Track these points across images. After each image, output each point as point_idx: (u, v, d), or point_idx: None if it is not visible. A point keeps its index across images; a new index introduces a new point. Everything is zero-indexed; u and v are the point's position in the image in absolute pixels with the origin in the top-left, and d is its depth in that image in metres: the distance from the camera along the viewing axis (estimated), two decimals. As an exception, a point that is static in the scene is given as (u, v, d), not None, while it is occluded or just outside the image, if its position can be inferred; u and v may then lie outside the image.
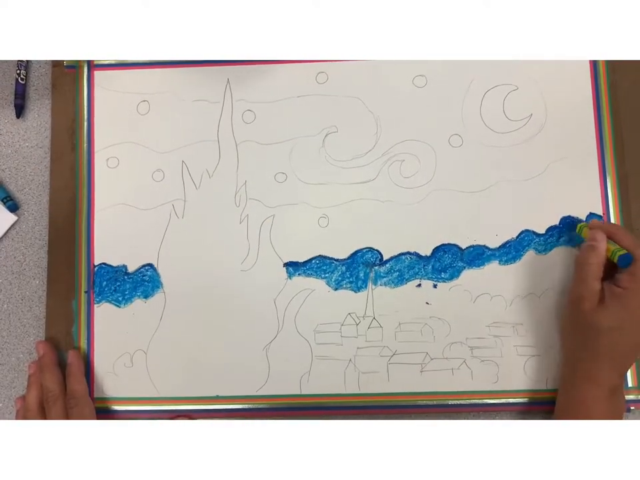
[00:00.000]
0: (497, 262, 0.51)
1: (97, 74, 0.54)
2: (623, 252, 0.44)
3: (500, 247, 0.51)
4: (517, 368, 0.50)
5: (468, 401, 0.50)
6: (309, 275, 0.51)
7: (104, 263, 0.52)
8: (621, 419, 0.45)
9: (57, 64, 0.55)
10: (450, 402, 0.50)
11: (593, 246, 0.46)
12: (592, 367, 0.44)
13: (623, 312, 0.43)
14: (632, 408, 0.50)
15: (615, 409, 0.45)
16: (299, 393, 0.50)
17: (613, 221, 0.51)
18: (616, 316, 0.43)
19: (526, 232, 0.51)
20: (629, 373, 0.50)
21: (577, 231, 0.50)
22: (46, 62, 0.55)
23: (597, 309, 0.44)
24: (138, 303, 0.52)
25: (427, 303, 0.51)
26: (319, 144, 0.53)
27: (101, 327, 0.52)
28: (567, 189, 0.52)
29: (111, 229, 0.52)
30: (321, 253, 0.52)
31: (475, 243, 0.51)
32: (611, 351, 0.44)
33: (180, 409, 0.51)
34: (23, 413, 0.49)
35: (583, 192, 0.52)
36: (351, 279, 0.51)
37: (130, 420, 0.50)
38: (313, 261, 0.52)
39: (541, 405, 0.50)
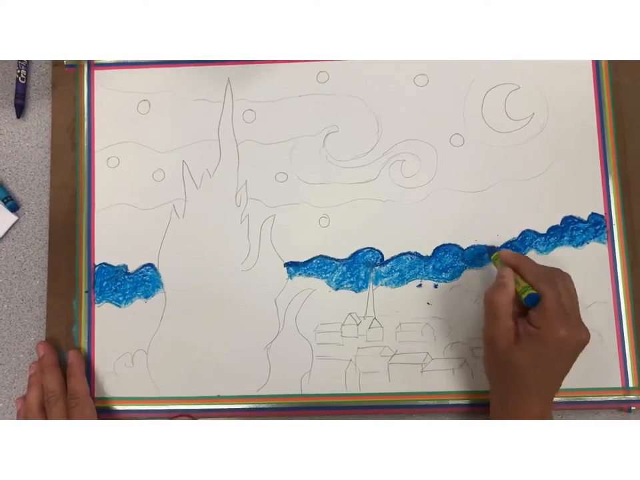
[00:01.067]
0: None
1: (97, 73, 0.54)
2: (529, 292, 0.44)
3: (501, 246, 0.51)
4: (518, 368, 0.50)
5: (468, 401, 0.50)
6: (309, 275, 0.51)
7: (104, 263, 0.52)
8: None
9: (57, 63, 0.55)
10: (450, 402, 0.50)
11: (502, 284, 0.45)
12: (517, 400, 0.44)
13: (538, 349, 0.43)
14: (633, 408, 0.50)
15: None
16: (299, 392, 0.50)
17: (614, 221, 0.51)
18: (532, 354, 0.43)
19: (527, 232, 0.51)
20: (630, 373, 0.50)
21: (491, 259, 0.50)
22: (46, 62, 0.55)
23: (513, 347, 0.43)
24: (138, 302, 0.52)
25: (427, 303, 0.51)
26: (319, 143, 0.53)
27: (101, 326, 0.52)
28: (569, 188, 0.52)
29: (111, 228, 0.52)
30: (322, 253, 0.52)
31: (475, 243, 0.51)
32: (533, 385, 0.43)
33: (181, 408, 0.51)
34: (24, 413, 0.49)
35: (584, 192, 0.52)
36: (351, 279, 0.51)
37: (131, 420, 0.50)
38: (314, 261, 0.51)
39: (542, 405, 0.50)
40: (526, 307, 0.45)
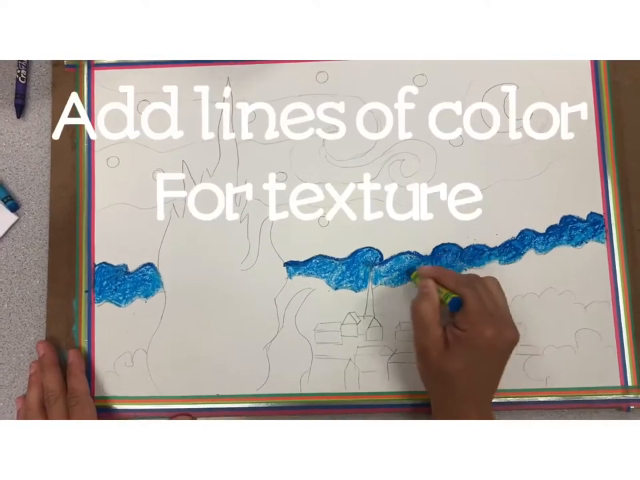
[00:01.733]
0: (497, 261, 0.51)
1: (97, 73, 0.54)
2: (452, 297, 0.45)
3: (500, 246, 0.51)
4: (517, 367, 0.50)
5: (468, 400, 0.50)
6: (309, 275, 0.51)
7: (104, 262, 0.52)
8: None
9: (57, 63, 0.55)
10: (450, 401, 0.50)
11: (425, 293, 0.46)
12: (454, 406, 0.44)
13: (468, 353, 0.43)
14: (632, 407, 0.50)
15: None
16: (299, 392, 0.50)
17: (613, 220, 0.51)
18: (463, 359, 0.43)
19: (526, 231, 0.51)
20: (628, 372, 0.50)
21: (411, 278, 0.50)
22: (46, 62, 0.55)
23: (444, 354, 0.44)
24: (138, 302, 0.52)
25: (427, 302, 0.51)
26: (319, 143, 0.53)
27: (101, 326, 0.52)
28: (568, 188, 0.52)
29: (111, 228, 0.53)
30: (321, 253, 0.52)
31: (475, 243, 0.51)
32: (467, 390, 0.43)
33: (180, 407, 0.51)
34: (24, 413, 0.49)
35: (583, 191, 0.52)
36: (351, 279, 0.51)
37: (130, 419, 0.50)
38: (313, 261, 0.52)
39: (540, 405, 0.50)
40: (453, 314, 0.45)
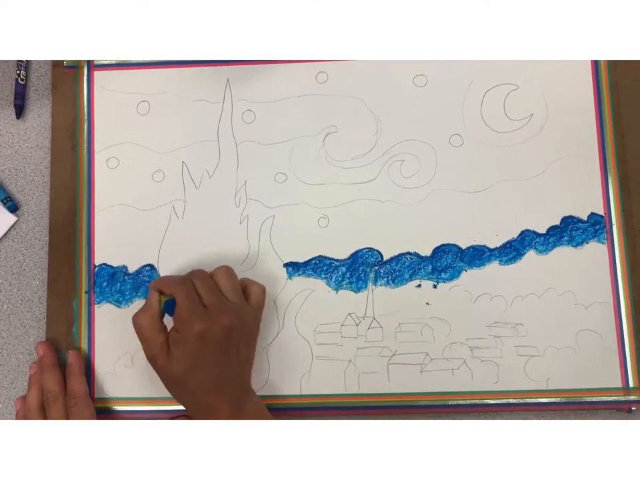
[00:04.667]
0: (497, 262, 0.51)
1: (97, 74, 0.54)
2: (165, 300, 0.45)
3: (500, 247, 0.51)
4: (517, 368, 0.50)
5: (468, 401, 0.50)
6: (309, 275, 0.51)
7: (104, 264, 0.52)
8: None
9: (56, 64, 0.55)
10: (450, 402, 0.50)
11: (144, 306, 0.46)
12: (207, 406, 0.44)
13: (186, 352, 0.43)
14: (633, 408, 0.50)
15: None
16: (299, 393, 0.50)
17: (614, 221, 0.51)
18: (183, 359, 0.43)
19: (526, 232, 0.51)
20: (630, 373, 0.50)
21: None
22: (46, 62, 0.55)
23: (167, 360, 0.44)
24: (138, 303, 0.52)
25: (427, 303, 0.51)
26: (319, 144, 0.53)
27: (101, 327, 0.52)
28: (568, 188, 0.52)
29: (111, 229, 0.52)
30: (321, 253, 0.52)
31: (475, 243, 0.51)
32: (207, 387, 0.43)
33: (180, 409, 0.50)
34: (23, 414, 0.49)
35: (584, 192, 0.52)
36: (351, 279, 0.51)
37: (130, 420, 0.50)
38: (313, 261, 0.51)
39: (541, 406, 0.50)
40: None
